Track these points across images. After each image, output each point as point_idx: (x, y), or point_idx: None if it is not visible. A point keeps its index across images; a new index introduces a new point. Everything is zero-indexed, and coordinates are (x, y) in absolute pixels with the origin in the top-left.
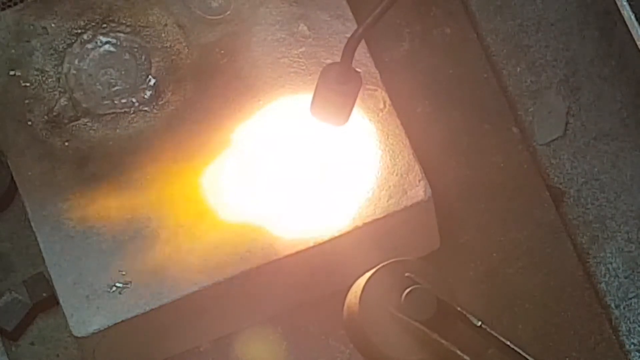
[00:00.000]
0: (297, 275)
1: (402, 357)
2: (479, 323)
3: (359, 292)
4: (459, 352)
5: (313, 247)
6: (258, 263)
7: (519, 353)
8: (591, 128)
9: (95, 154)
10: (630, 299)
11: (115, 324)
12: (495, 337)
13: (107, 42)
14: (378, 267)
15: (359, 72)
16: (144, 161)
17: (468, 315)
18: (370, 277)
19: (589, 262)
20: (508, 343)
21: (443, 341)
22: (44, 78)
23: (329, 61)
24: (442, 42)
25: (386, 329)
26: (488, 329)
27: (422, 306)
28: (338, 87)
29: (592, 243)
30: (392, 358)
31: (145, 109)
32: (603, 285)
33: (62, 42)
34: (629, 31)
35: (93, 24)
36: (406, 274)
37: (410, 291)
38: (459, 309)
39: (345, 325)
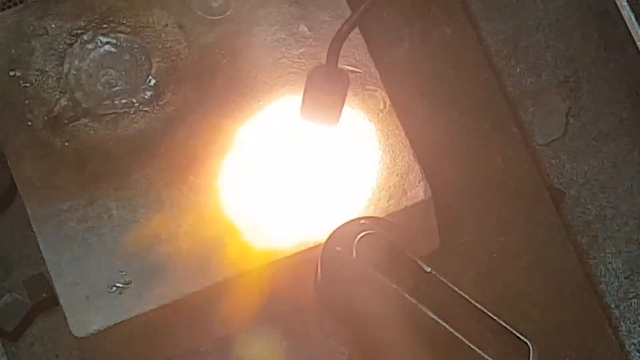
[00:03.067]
0: (297, 276)
1: (365, 309)
2: (429, 269)
3: (319, 258)
4: (412, 299)
5: (313, 247)
6: (258, 263)
7: (467, 299)
8: (591, 128)
9: (95, 154)
10: (630, 299)
11: (115, 324)
12: (445, 283)
13: (107, 43)
14: (337, 227)
15: (346, 72)
16: (144, 161)
17: (419, 262)
18: (329, 237)
19: (589, 262)
20: (456, 289)
21: (395, 286)
22: (44, 78)
23: None
24: (442, 42)
25: (347, 284)
26: (438, 276)
27: (374, 250)
28: (326, 87)
29: (592, 243)
30: (359, 312)
31: (145, 109)
32: (603, 285)
33: (62, 42)
34: (629, 31)
35: (93, 24)
36: (361, 221)
37: (363, 236)
38: (409, 254)
39: (315, 299)
